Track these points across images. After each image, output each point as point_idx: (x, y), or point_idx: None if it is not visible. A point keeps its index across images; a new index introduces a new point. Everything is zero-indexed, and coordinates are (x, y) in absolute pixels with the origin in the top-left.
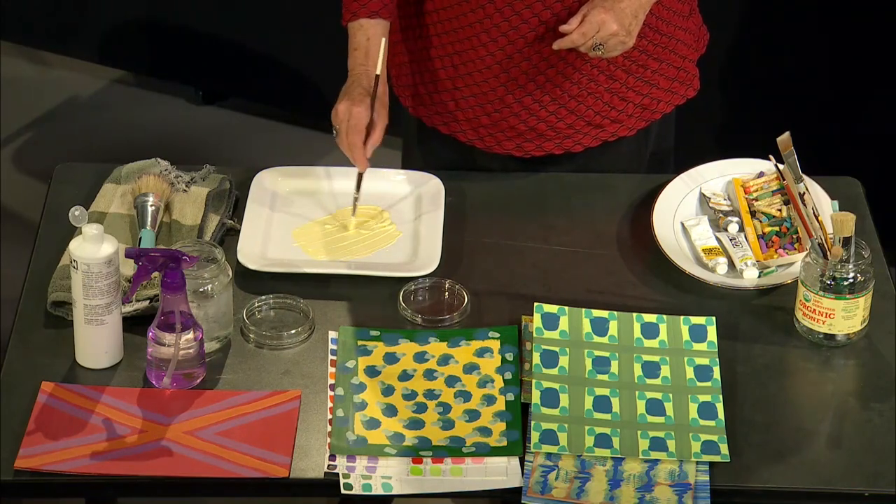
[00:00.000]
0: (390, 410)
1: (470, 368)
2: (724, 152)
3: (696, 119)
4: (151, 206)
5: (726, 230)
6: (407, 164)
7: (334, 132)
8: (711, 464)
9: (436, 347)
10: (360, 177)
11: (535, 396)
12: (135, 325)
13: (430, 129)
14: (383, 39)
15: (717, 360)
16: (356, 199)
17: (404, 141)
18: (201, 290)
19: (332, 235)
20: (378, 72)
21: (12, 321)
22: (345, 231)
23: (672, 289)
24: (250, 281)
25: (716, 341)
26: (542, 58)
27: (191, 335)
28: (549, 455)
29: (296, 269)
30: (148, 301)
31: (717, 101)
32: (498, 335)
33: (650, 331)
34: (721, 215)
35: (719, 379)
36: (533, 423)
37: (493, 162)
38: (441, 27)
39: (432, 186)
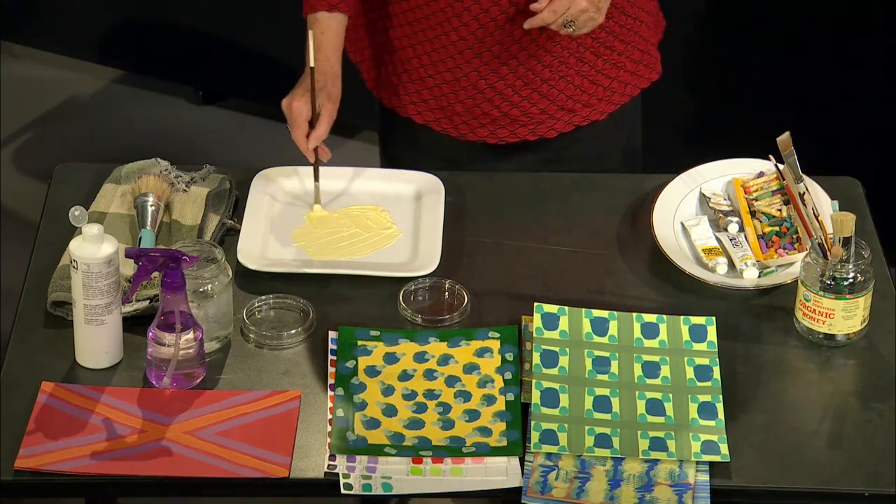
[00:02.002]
0: (390, 410)
1: (470, 368)
2: (724, 152)
3: (695, 119)
4: (151, 206)
5: (726, 230)
6: (384, 157)
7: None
8: (711, 464)
9: (436, 347)
10: (315, 166)
11: (535, 396)
12: (135, 325)
13: (403, 119)
14: (310, 32)
15: (717, 360)
16: (316, 188)
17: (380, 134)
18: (201, 290)
19: (332, 235)
20: (311, 64)
21: (12, 321)
22: (309, 213)
23: (672, 289)
24: (250, 281)
25: (716, 341)
26: (514, 41)
27: (191, 335)
28: (549, 455)
29: (296, 269)
30: (148, 301)
31: (717, 101)
32: (498, 335)
33: (650, 331)
34: (721, 215)
35: (719, 379)
36: (533, 423)
37: (467, 150)
38: (412, 15)
39: (432, 186)
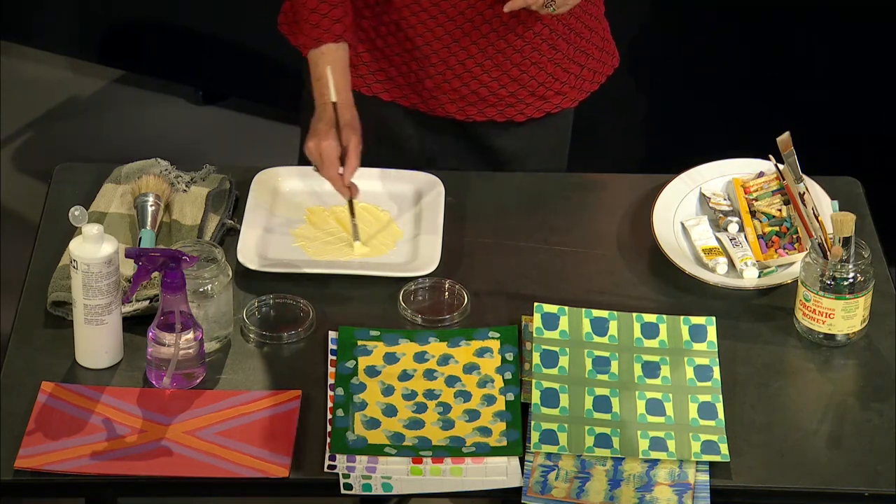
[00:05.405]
0: (390, 410)
1: (470, 368)
2: (724, 152)
3: (695, 119)
4: (151, 206)
5: (726, 230)
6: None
7: (313, 167)
8: (711, 464)
9: (436, 347)
10: (350, 203)
11: (535, 396)
12: (135, 325)
13: (368, 98)
14: (328, 67)
15: (717, 360)
16: (355, 226)
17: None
18: (201, 290)
19: (332, 236)
20: (333, 99)
21: (12, 321)
22: (351, 250)
23: (672, 289)
24: (250, 281)
25: (716, 341)
26: (484, 20)
27: (191, 335)
28: (549, 455)
29: (296, 269)
30: (148, 301)
31: (716, 102)
32: (498, 335)
33: (650, 331)
34: (721, 215)
35: (719, 379)
36: (533, 423)
37: (431, 125)
38: None
39: (432, 186)
